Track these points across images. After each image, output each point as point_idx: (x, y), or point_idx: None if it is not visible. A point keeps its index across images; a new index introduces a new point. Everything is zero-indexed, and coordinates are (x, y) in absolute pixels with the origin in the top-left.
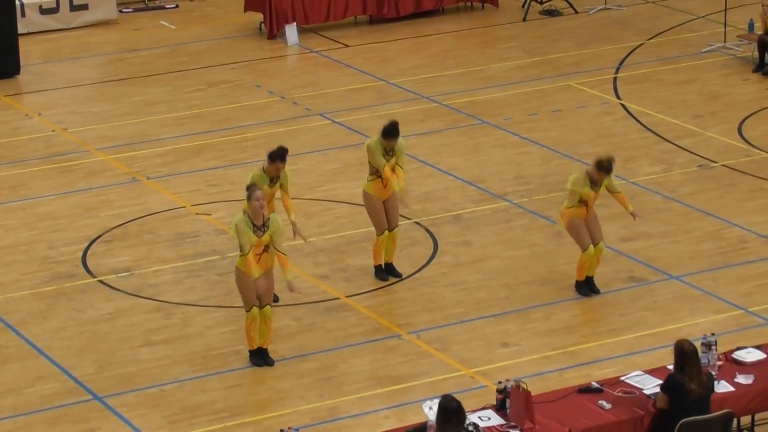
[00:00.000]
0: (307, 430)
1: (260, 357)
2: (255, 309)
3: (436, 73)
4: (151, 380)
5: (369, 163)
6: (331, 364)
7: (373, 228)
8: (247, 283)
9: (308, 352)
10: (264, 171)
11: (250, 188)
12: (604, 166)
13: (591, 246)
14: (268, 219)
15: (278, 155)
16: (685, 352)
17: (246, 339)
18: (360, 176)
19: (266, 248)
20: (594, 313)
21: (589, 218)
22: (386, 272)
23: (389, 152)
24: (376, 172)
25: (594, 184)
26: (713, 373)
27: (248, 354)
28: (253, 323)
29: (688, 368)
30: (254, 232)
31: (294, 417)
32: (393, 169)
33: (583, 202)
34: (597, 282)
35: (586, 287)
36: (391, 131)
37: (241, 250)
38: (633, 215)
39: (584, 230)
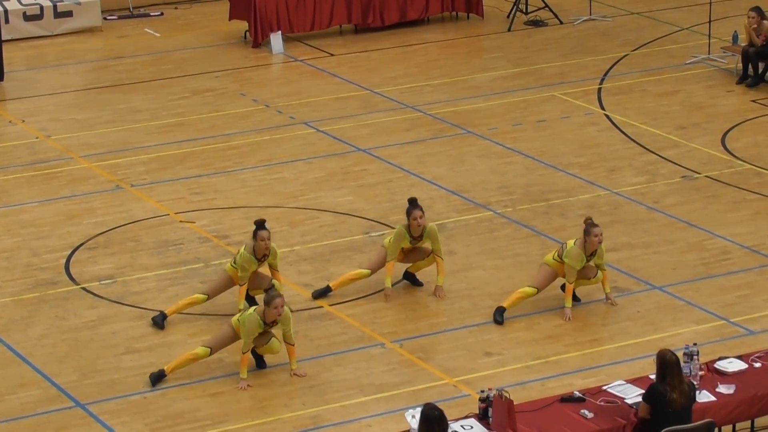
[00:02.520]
0: None
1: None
2: (207, 352)
3: (421, 83)
4: (134, 388)
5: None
6: (315, 373)
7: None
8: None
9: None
10: (253, 252)
11: (270, 292)
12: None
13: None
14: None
15: (259, 226)
16: (666, 362)
17: (176, 361)
18: (344, 185)
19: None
20: (577, 322)
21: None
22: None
23: (416, 238)
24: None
25: (590, 254)
26: (695, 383)
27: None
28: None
29: (669, 378)
30: (263, 327)
31: (277, 425)
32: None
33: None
34: (580, 292)
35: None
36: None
37: (243, 347)
38: (608, 297)
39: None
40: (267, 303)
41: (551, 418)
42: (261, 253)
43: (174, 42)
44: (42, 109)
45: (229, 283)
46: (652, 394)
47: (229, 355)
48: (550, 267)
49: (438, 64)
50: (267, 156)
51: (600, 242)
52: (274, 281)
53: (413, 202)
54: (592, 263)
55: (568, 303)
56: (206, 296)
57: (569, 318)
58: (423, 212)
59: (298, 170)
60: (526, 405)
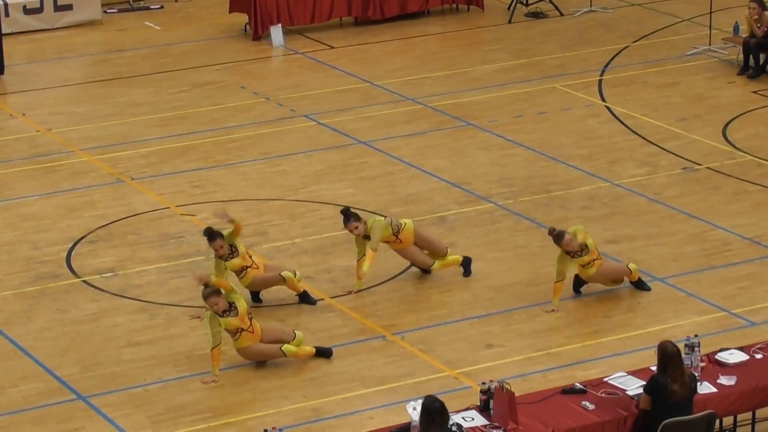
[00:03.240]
0: (291, 431)
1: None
2: (286, 345)
3: (422, 75)
4: (135, 380)
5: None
6: (315, 365)
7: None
8: (259, 348)
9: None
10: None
11: (204, 291)
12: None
13: (631, 264)
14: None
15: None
16: (668, 354)
17: (303, 355)
18: (345, 178)
19: (250, 315)
20: (578, 314)
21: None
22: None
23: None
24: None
25: (572, 254)
26: (696, 374)
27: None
28: (298, 352)
29: (670, 369)
30: (228, 316)
31: (278, 417)
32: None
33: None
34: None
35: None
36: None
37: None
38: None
39: (611, 263)
40: (205, 298)
41: (552, 409)
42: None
43: (174, 35)
44: (42, 103)
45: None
46: (653, 386)
47: (230, 348)
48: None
49: (438, 56)
50: (267, 149)
51: (575, 248)
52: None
53: (345, 215)
54: (589, 259)
55: (555, 301)
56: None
57: (551, 311)
58: (357, 221)
59: (299, 163)
60: (528, 397)
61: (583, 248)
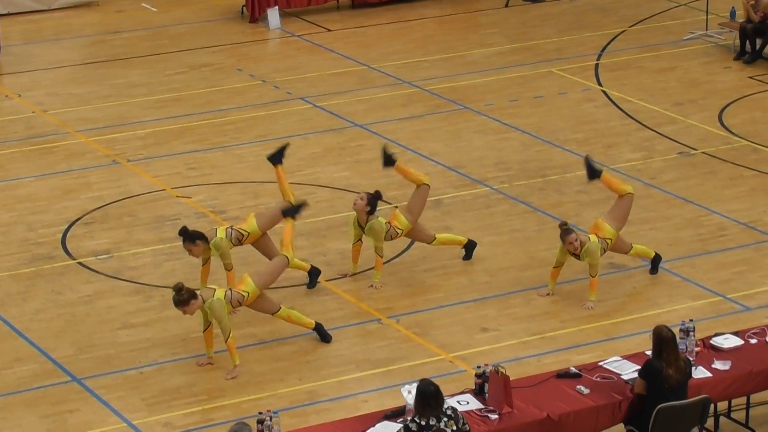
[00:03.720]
0: (285, 414)
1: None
2: (282, 308)
3: (418, 59)
4: (130, 362)
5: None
6: (311, 348)
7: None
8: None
9: (287, 335)
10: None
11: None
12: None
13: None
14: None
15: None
16: (663, 338)
17: (301, 322)
18: (341, 161)
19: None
20: (573, 298)
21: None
22: None
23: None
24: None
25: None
26: (691, 359)
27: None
28: (291, 315)
29: (665, 354)
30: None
31: (273, 400)
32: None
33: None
34: (576, 268)
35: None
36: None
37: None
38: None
39: (622, 240)
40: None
41: (547, 393)
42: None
43: (171, 17)
44: (39, 84)
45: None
46: (648, 370)
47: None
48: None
49: (435, 39)
50: (263, 131)
51: (575, 249)
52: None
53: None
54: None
55: (551, 285)
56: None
57: (546, 294)
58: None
59: (295, 145)
60: (523, 381)
61: (605, 246)
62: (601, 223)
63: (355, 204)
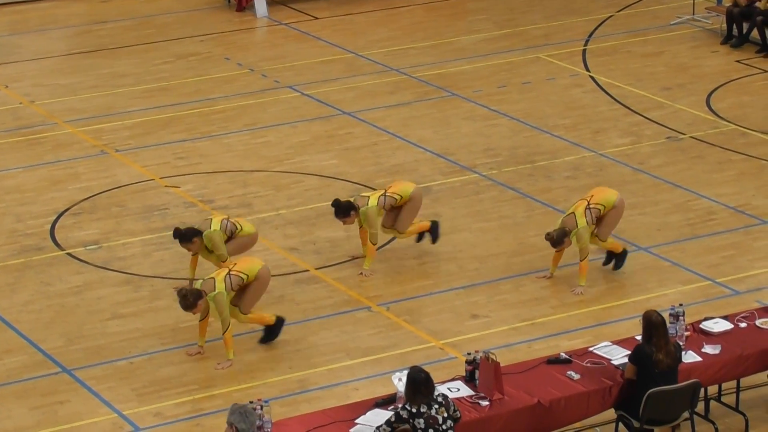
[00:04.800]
0: (276, 402)
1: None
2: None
3: (406, 46)
4: (120, 353)
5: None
6: (301, 336)
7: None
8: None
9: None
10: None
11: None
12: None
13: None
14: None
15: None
16: (652, 323)
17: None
18: (329, 148)
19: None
20: (562, 284)
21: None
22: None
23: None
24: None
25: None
26: (681, 343)
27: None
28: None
29: (655, 339)
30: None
31: (263, 389)
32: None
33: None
34: (566, 253)
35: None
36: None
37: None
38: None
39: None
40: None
41: (538, 379)
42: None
43: (157, 6)
44: (25, 75)
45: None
46: (638, 355)
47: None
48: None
49: (423, 26)
50: (252, 120)
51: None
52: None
53: (336, 208)
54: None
55: (552, 269)
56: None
57: (545, 277)
58: (344, 216)
59: (283, 134)
60: (513, 367)
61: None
62: (602, 190)
63: (347, 222)
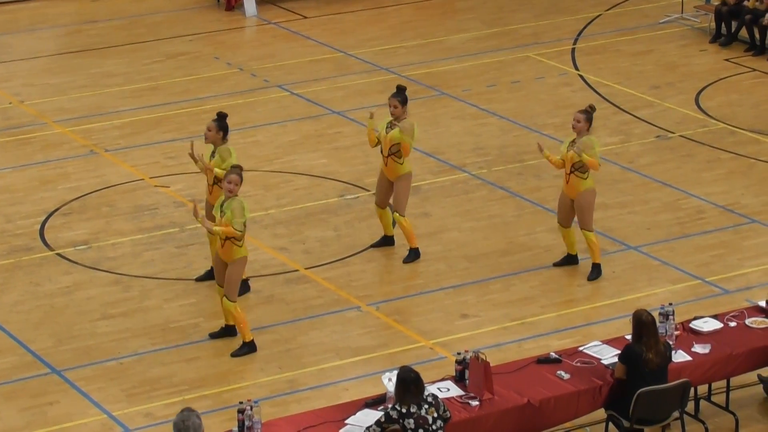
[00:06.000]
0: (266, 403)
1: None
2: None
3: (395, 45)
4: (110, 353)
5: (401, 145)
6: (291, 336)
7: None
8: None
9: (267, 324)
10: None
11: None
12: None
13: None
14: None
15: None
16: (643, 322)
17: (243, 331)
18: (319, 148)
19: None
20: (552, 284)
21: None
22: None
23: (391, 125)
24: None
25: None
26: (670, 342)
27: (246, 344)
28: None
29: (645, 338)
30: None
31: (253, 389)
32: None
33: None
34: (556, 253)
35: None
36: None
37: (240, 234)
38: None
39: (590, 211)
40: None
41: (528, 379)
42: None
43: (147, 6)
44: (15, 74)
45: None
46: (628, 355)
47: (205, 320)
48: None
49: (412, 25)
50: (241, 119)
51: (574, 128)
52: None
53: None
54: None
55: (547, 153)
56: None
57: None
58: (397, 100)
59: (273, 133)
60: (503, 367)
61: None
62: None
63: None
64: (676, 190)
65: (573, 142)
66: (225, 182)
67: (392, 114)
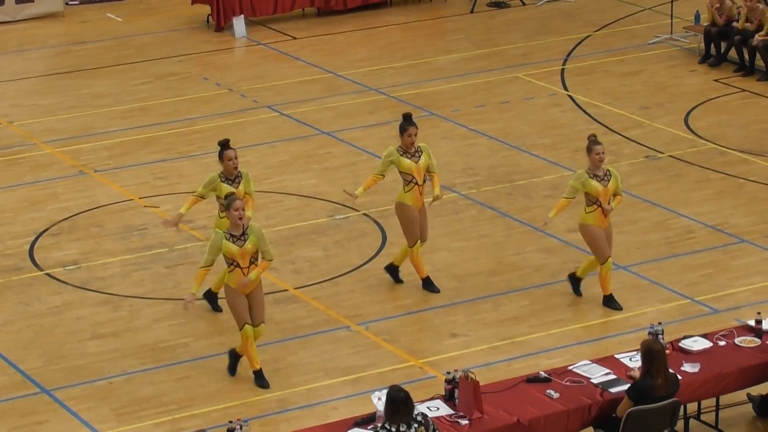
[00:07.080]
0: (256, 422)
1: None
2: (248, 327)
3: (384, 65)
4: (99, 373)
5: (401, 173)
6: (280, 356)
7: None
8: (238, 301)
9: (257, 343)
10: (221, 174)
11: (229, 197)
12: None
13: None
14: (248, 227)
15: (224, 146)
16: (653, 351)
17: (249, 360)
18: (308, 168)
19: (254, 260)
20: (542, 303)
21: (606, 229)
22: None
23: (414, 154)
24: (412, 180)
25: (595, 174)
26: (679, 377)
27: (252, 376)
28: (248, 341)
29: (656, 363)
30: (234, 242)
31: (243, 409)
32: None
33: (593, 201)
34: (545, 272)
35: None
36: (406, 118)
37: (204, 262)
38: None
39: (603, 240)
40: (227, 207)
41: (517, 398)
42: (232, 174)
43: (136, 27)
44: (4, 95)
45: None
46: (638, 391)
47: (194, 339)
48: (593, 226)
49: (401, 46)
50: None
51: (601, 161)
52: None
53: (408, 118)
54: (609, 188)
55: (552, 213)
56: None
57: (543, 224)
58: (417, 128)
59: (262, 154)
60: (492, 386)
61: (608, 175)
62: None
63: (414, 138)
64: (665, 210)
65: (601, 173)
66: (233, 211)
67: (412, 143)
